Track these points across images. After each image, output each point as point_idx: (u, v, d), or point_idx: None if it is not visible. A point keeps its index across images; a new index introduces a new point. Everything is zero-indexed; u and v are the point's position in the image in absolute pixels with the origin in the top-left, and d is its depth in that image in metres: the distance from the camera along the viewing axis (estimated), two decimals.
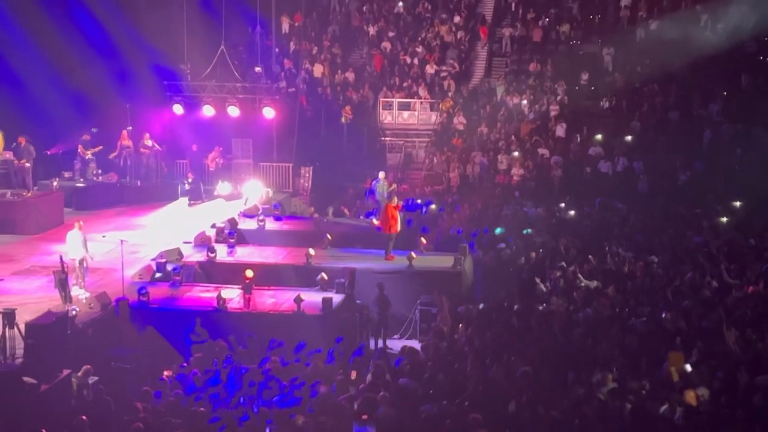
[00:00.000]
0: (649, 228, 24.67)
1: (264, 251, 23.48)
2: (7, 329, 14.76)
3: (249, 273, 19.47)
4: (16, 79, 28.62)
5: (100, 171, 29.51)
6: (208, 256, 22.20)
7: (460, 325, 17.82)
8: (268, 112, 29.88)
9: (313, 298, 19.22)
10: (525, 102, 35.39)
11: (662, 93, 33.96)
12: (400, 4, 40.90)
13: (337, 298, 19.32)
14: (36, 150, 27.91)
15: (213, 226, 24.88)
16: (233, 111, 29.83)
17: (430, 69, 37.65)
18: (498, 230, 23.33)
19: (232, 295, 19.51)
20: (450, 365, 14.97)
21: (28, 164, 27.33)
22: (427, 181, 33.16)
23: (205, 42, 30.89)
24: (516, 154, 32.48)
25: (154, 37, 30.97)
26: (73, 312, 17.40)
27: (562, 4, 39.55)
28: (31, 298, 19.01)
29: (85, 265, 19.40)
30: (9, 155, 27.20)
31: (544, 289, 19.41)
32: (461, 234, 25.05)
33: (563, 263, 20.79)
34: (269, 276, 20.89)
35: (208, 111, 29.92)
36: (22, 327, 15.22)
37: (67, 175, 29.22)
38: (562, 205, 27.86)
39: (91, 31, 30.75)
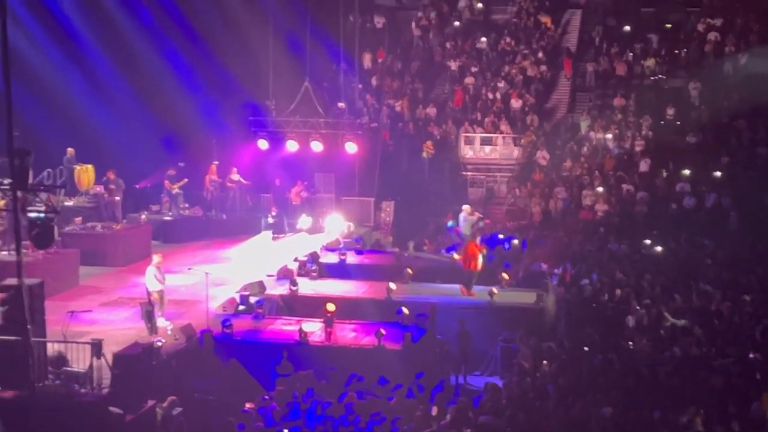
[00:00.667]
0: (737, 266, 24.05)
1: (345, 285, 23.57)
2: (94, 359, 15.08)
3: (330, 306, 19.54)
4: (106, 114, 29.42)
5: (186, 205, 30.15)
6: (290, 289, 22.40)
7: (543, 362, 17.60)
8: (351, 147, 30.11)
9: (393, 332, 19.17)
10: (609, 137, 35.00)
11: (750, 128, 33.25)
12: (483, 39, 40.96)
13: (417, 332, 19.27)
14: (125, 184, 28.68)
15: (295, 259, 25.10)
16: (316, 146, 30.16)
17: (515, 103, 37.53)
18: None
19: (314, 328, 19.60)
20: (532, 403, 14.80)
21: (117, 198, 28.07)
22: (509, 216, 32.94)
23: (290, 78, 31.42)
24: (600, 189, 32.09)
25: (240, 73, 31.80)
26: (159, 343, 17.70)
27: (646, 39, 39.16)
28: (119, 328, 19.45)
29: (159, 298, 19.73)
30: (99, 189, 27.98)
31: (630, 326, 19.08)
32: (544, 270, 24.79)
33: (648, 301, 20.39)
34: (350, 310, 20.95)
35: (291, 146, 30.32)
36: (110, 357, 15.58)
37: (155, 208, 29.88)
38: (648, 241, 27.36)
39: (178, 67, 31.67)
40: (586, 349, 17.90)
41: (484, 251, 23.25)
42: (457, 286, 22.71)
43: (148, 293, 19.29)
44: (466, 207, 28.54)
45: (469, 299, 21.97)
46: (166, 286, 20.22)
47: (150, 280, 19.76)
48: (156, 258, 20.26)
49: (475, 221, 24.99)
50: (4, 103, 13.79)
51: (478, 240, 22.87)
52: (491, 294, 21.63)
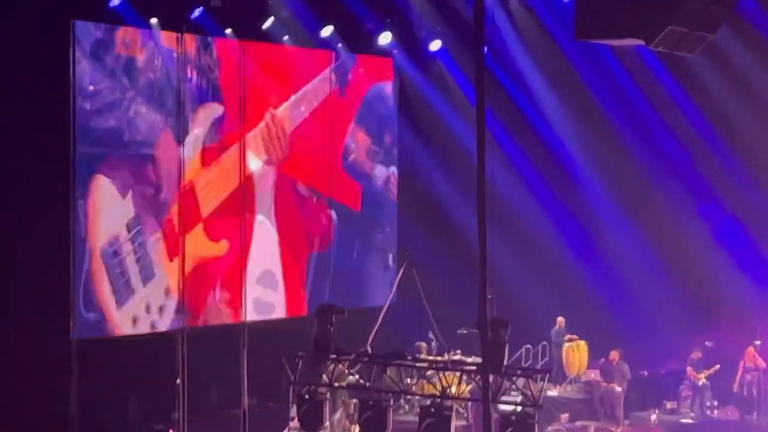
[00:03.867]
0: None
1: None
2: None
3: None
4: (603, 274, 25.73)
5: (716, 403, 24.32)
6: None
7: None
8: None
9: None
10: None
11: None
12: None
13: None
14: (630, 369, 23.69)
15: None
16: None
17: None
18: None
19: None
20: None
21: (619, 388, 23.07)
22: None
23: None
24: None
25: None
26: None
27: None
28: None
29: None
30: (594, 375, 23.67)
31: None
32: None
33: None
34: None
35: None
36: None
37: (669, 405, 24.43)
38: None
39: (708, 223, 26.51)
40: None
41: None
42: None
43: None
44: None
45: None
46: None
47: None
48: None
49: None
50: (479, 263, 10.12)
51: None
52: None
